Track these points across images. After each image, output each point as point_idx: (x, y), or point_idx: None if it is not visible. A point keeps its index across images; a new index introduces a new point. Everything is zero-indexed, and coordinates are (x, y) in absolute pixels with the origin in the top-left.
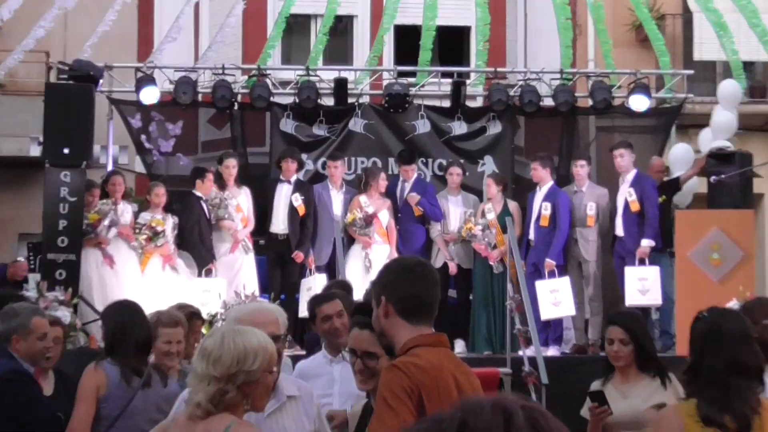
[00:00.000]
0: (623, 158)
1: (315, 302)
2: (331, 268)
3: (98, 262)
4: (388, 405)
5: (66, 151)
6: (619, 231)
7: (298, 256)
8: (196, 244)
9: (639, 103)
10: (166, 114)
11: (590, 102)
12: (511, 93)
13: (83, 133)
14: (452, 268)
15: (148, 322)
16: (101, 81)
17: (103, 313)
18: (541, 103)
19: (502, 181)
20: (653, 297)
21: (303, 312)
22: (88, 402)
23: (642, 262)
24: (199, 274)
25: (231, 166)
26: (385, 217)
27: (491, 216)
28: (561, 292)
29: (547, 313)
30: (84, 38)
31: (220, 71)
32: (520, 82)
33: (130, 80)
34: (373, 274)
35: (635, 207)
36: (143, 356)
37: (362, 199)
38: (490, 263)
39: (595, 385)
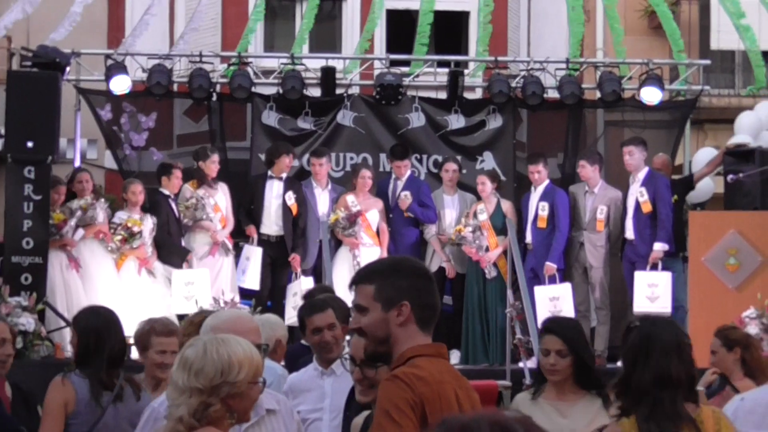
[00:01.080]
0: (632, 156)
1: (305, 311)
2: (318, 271)
3: (63, 265)
4: (391, 418)
5: (30, 144)
6: (630, 234)
7: (296, 258)
8: (166, 241)
9: (651, 95)
10: (138, 105)
11: (598, 94)
12: (513, 84)
13: (48, 126)
14: (449, 271)
15: (123, 332)
16: (68, 69)
17: (75, 320)
18: (545, 95)
19: (496, 179)
20: (662, 305)
21: (290, 319)
22: (55, 418)
23: (654, 267)
24: (179, 266)
25: (216, 161)
26: (374, 217)
27: (483, 217)
28: (561, 300)
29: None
30: (49, 22)
31: (197, 59)
32: (523, 73)
33: (100, 68)
34: None
35: (647, 208)
36: (115, 369)
37: (349, 198)
38: (482, 268)
39: (521, 399)
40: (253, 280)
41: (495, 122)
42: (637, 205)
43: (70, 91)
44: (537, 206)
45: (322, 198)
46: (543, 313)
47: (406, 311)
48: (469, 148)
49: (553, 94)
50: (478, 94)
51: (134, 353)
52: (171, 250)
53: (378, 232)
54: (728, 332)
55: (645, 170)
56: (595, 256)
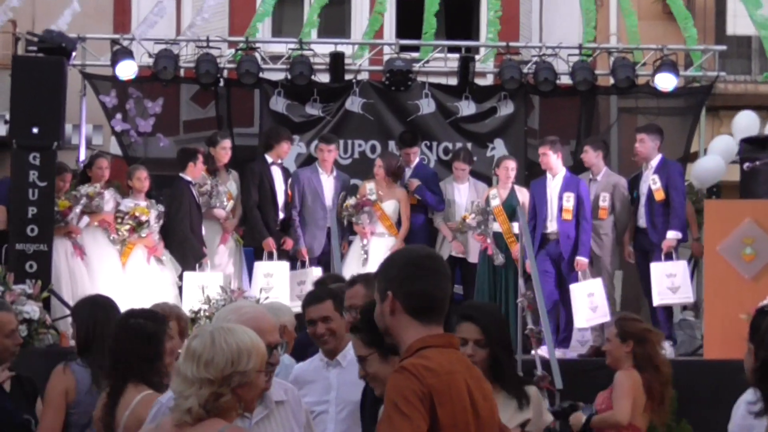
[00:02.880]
0: (644, 144)
1: (304, 302)
2: (326, 259)
3: (68, 253)
4: (399, 410)
5: (35, 130)
6: (642, 222)
7: (288, 243)
8: (187, 235)
9: (666, 81)
10: (144, 91)
11: (612, 80)
12: (525, 70)
13: (54, 111)
14: (457, 247)
15: None
16: (74, 54)
17: (74, 310)
18: (557, 82)
19: (517, 164)
20: (684, 294)
21: (294, 308)
22: (56, 408)
23: (668, 256)
24: (192, 268)
25: (227, 147)
26: (392, 207)
27: (496, 202)
28: (596, 296)
29: (584, 320)
30: (55, 6)
31: (205, 44)
32: (535, 58)
33: (106, 53)
34: (370, 268)
35: (660, 196)
36: None
37: (369, 186)
38: (489, 254)
39: None
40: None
41: (506, 109)
42: (650, 193)
43: (75, 76)
44: (561, 197)
45: (327, 184)
46: (582, 311)
47: (391, 301)
48: (480, 135)
49: (565, 80)
50: (489, 80)
51: None
52: (187, 248)
53: (399, 222)
54: (626, 323)
55: (658, 158)
56: (599, 245)
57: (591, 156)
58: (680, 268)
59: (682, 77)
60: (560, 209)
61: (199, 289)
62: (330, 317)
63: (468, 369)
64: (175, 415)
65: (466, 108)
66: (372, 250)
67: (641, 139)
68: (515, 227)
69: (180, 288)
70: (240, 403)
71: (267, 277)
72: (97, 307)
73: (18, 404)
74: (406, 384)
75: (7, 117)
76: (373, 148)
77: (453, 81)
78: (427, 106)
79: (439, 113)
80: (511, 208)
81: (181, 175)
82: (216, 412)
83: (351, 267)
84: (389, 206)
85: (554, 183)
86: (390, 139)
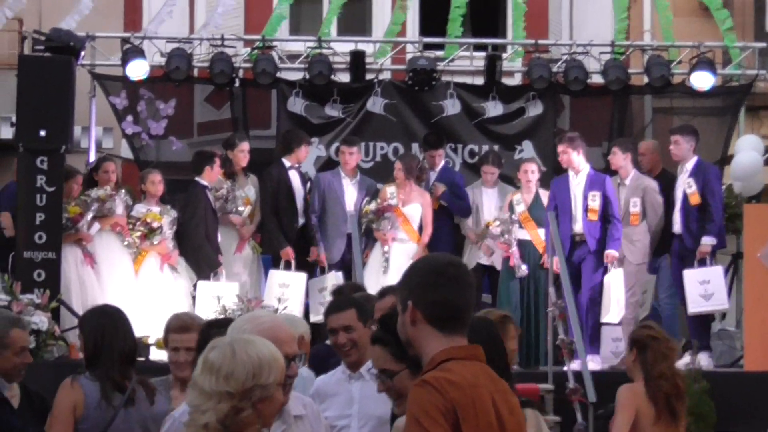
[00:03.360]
0: (678, 146)
1: (326, 310)
2: (345, 267)
3: (78, 260)
4: (421, 425)
5: (42, 133)
6: (677, 228)
7: (313, 253)
8: (202, 242)
9: (702, 80)
10: (156, 91)
11: (646, 79)
12: (555, 69)
13: (62, 113)
14: (486, 251)
15: (132, 330)
16: (83, 53)
17: (81, 321)
18: (588, 81)
19: (540, 168)
20: (719, 301)
21: (315, 316)
22: (64, 423)
23: (702, 262)
24: (206, 277)
25: (246, 150)
26: (415, 211)
27: (521, 208)
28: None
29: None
30: (62, 3)
31: (219, 42)
32: (565, 57)
33: (116, 52)
34: (391, 276)
35: (695, 200)
36: (127, 370)
37: (390, 189)
38: (510, 265)
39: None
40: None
41: (535, 109)
42: (685, 197)
43: (84, 76)
44: (586, 196)
45: (349, 189)
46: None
47: (412, 311)
48: (508, 137)
49: (597, 79)
50: (517, 79)
51: (154, 353)
52: (202, 256)
53: (421, 227)
54: (634, 331)
55: (693, 160)
56: (632, 252)
57: (619, 158)
58: (714, 274)
59: (720, 76)
60: (585, 209)
61: (214, 299)
62: (352, 327)
63: (493, 382)
64: (190, 431)
65: (493, 109)
66: (393, 258)
67: (675, 141)
68: (542, 233)
69: (194, 297)
70: (259, 419)
71: (282, 288)
72: (105, 318)
73: (26, 420)
74: (429, 399)
75: (14, 119)
76: (395, 151)
77: (479, 80)
78: (452, 106)
79: (464, 114)
80: (539, 214)
81: (196, 179)
82: (235, 428)
83: (371, 275)
84: (411, 211)
85: (577, 181)
86: (413, 142)
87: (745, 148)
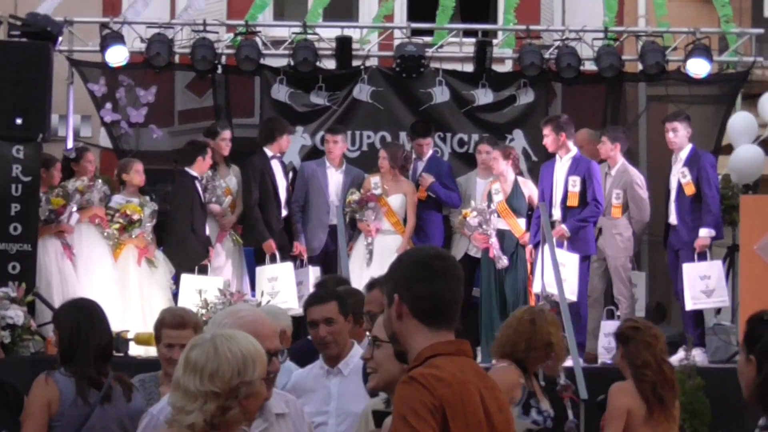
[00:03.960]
0: (677, 133)
1: (306, 302)
2: (327, 259)
3: (58, 253)
4: (408, 424)
5: (19, 121)
6: (673, 219)
7: (297, 247)
8: (186, 234)
9: (698, 67)
10: (136, 78)
11: (640, 66)
12: (546, 55)
13: (39, 101)
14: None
15: (109, 325)
16: (60, 39)
17: (56, 316)
18: (581, 68)
19: (510, 155)
20: (719, 297)
21: (292, 311)
22: (37, 421)
23: (702, 256)
24: (191, 270)
25: (228, 139)
26: (398, 201)
27: (499, 198)
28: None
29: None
30: None
31: (201, 28)
32: (557, 43)
33: (94, 38)
34: (374, 268)
35: (690, 190)
36: (103, 366)
37: (374, 180)
38: (490, 256)
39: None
40: (291, 300)
41: (526, 97)
42: (680, 188)
43: (62, 62)
44: (567, 181)
45: (334, 179)
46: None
47: (398, 305)
48: (498, 125)
49: (590, 66)
50: (507, 66)
51: (134, 349)
52: (187, 248)
53: (406, 218)
54: (617, 328)
55: (688, 148)
56: (611, 245)
57: (607, 147)
58: (715, 269)
59: (716, 63)
60: (565, 194)
61: (196, 293)
62: (333, 319)
63: (481, 378)
64: (174, 429)
65: (483, 96)
66: (377, 249)
67: (674, 128)
68: (522, 223)
69: (175, 292)
70: (245, 416)
71: (272, 282)
72: (80, 313)
73: (1, 415)
74: (416, 396)
75: None
76: (383, 140)
77: (469, 67)
78: (440, 94)
79: (453, 102)
80: (518, 203)
81: (186, 169)
82: (222, 427)
83: (355, 267)
84: (395, 201)
85: (561, 165)
86: (401, 130)
87: (739, 128)
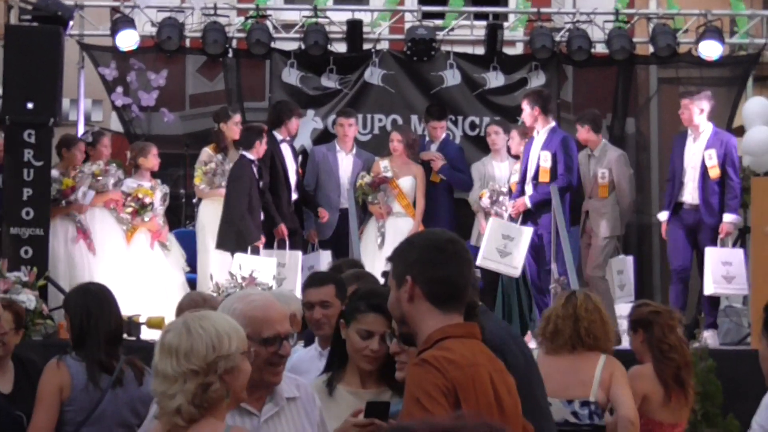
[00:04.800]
0: (688, 110)
1: (305, 283)
2: (338, 243)
3: (69, 237)
4: (422, 406)
5: (30, 105)
6: (692, 199)
7: (281, 231)
8: (243, 216)
9: (710, 49)
10: (147, 62)
11: (651, 49)
12: (557, 38)
13: (50, 85)
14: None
15: (119, 309)
16: (71, 23)
17: (66, 300)
18: (592, 50)
19: (526, 134)
20: (739, 285)
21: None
22: (49, 405)
23: (724, 242)
24: (244, 250)
25: (239, 123)
26: (408, 184)
27: (514, 178)
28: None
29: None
30: None
31: (212, 11)
32: (568, 25)
33: (105, 22)
34: (387, 250)
35: (715, 173)
36: (114, 350)
37: (383, 163)
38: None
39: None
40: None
41: (537, 80)
42: (704, 169)
43: (73, 47)
44: (539, 156)
45: (345, 163)
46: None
47: (410, 287)
48: (509, 108)
49: (601, 48)
50: (518, 49)
51: (146, 333)
52: (243, 230)
53: (415, 201)
54: (634, 312)
55: (710, 128)
56: (598, 224)
57: (582, 132)
58: (737, 256)
59: (728, 45)
60: (537, 169)
61: (278, 267)
62: (329, 302)
63: (491, 361)
64: (164, 420)
65: (494, 79)
66: (389, 232)
67: (686, 105)
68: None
69: (191, 276)
70: (228, 392)
71: (279, 267)
72: (90, 297)
73: (21, 396)
74: (429, 378)
75: (0, 92)
76: (394, 123)
77: (480, 50)
78: (452, 77)
79: (465, 85)
80: None
81: (244, 152)
82: (206, 405)
83: (366, 250)
84: (406, 183)
85: (537, 140)
86: (412, 113)
87: (754, 113)
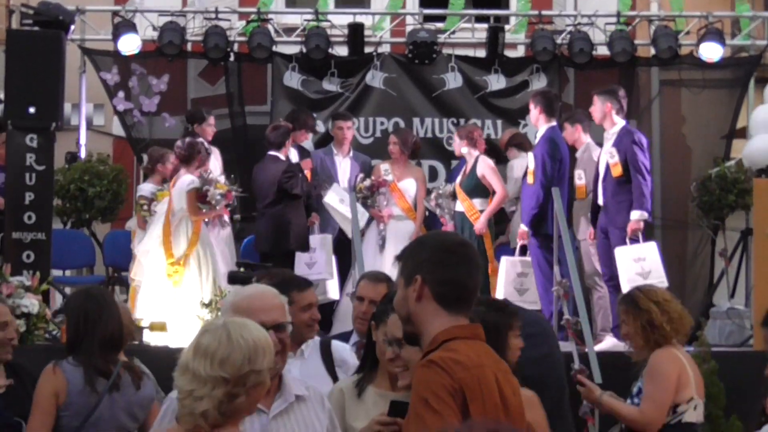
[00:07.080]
0: (594, 107)
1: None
2: (340, 246)
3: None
4: (430, 407)
5: (31, 110)
6: (601, 200)
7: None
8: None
9: (711, 51)
10: (149, 66)
11: (653, 51)
12: (559, 41)
13: (52, 90)
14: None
15: (119, 313)
16: (72, 27)
17: (66, 304)
18: (593, 53)
19: (467, 136)
20: (657, 277)
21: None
22: (45, 411)
23: (635, 239)
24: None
25: (213, 125)
26: (410, 187)
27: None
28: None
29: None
30: None
31: (213, 15)
32: (569, 28)
33: (107, 26)
34: (388, 253)
35: (617, 171)
36: (112, 354)
37: (383, 166)
38: None
39: (350, 385)
40: (328, 271)
41: (538, 83)
42: (607, 168)
43: (74, 51)
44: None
45: (342, 166)
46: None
47: (420, 286)
48: (511, 111)
49: (602, 51)
50: (520, 52)
51: (147, 336)
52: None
53: (416, 204)
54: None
55: (619, 125)
56: (578, 226)
57: (569, 132)
58: (650, 250)
59: (729, 47)
60: (525, 171)
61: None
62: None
63: (496, 362)
64: (187, 419)
65: (496, 82)
66: (390, 235)
67: (594, 101)
68: (477, 204)
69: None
70: (250, 406)
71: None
72: (89, 300)
73: (14, 400)
74: (436, 379)
75: (1, 96)
76: (396, 126)
77: (481, 53)
78: (453, 80)
79: (466, 88)
80: (472, 183)
81: (274, 153)
82: (229, 414)
83: (367, 253)
84: (407, 186)
85: (536, 142)
86: (414, 116)
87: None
